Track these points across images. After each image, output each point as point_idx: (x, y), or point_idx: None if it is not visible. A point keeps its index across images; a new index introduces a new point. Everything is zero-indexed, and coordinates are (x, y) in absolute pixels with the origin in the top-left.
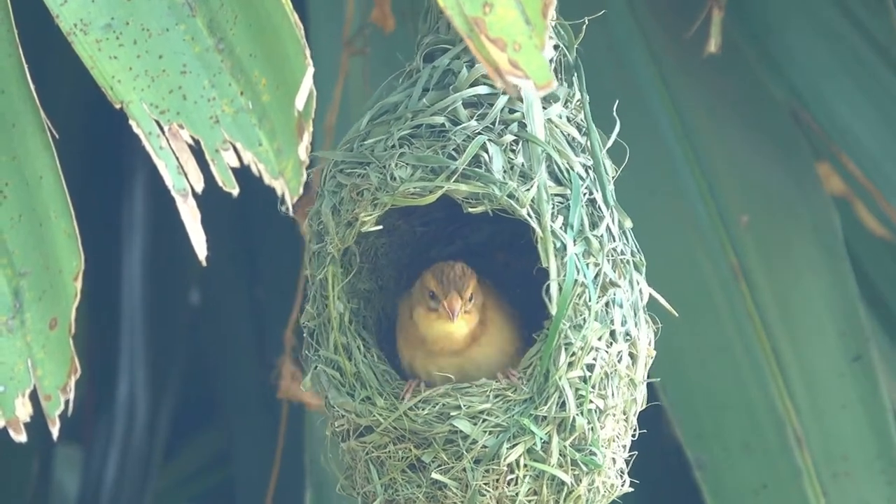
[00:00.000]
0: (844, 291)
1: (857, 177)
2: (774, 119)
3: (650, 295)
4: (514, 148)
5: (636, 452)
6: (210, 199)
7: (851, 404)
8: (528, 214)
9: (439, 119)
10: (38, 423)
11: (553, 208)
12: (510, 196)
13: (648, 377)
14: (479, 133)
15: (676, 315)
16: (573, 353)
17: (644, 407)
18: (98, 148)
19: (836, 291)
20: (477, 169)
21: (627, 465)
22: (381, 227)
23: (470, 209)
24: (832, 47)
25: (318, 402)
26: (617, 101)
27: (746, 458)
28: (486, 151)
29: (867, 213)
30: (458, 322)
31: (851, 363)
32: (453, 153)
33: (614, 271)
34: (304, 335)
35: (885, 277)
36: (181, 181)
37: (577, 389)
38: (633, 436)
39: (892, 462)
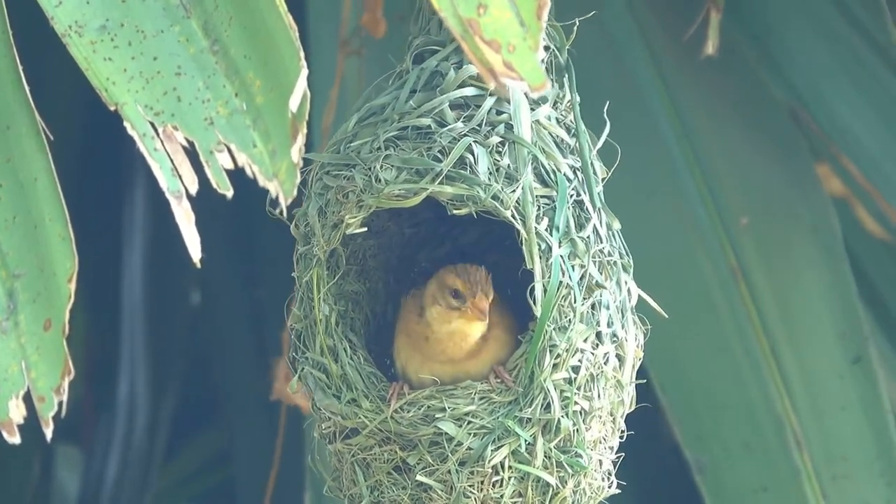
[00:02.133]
0: (844, 292)
1: (856, 178)
2: (774, 120)
3: (641, 296)
4: (501, 149)
5: (635, 453)
6: (209, 200)
7: (851, 405)
8: (513, 216)
9: (426, 121)
10: (37, 423)
11: (539, 210)
12: (494, 198)
13: (645, 377)
14: (465, 135)
15: (666, 316)
16: (558, 355)
17: (640, 407)
18: (98, 149)
19: (835, 292)
20: (462, 171)
21: (616, 467)
22: (366, 229)
23: (454, 211)
24: (832, 48)
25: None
26: (609, 102)
27: (746, 459)
28: (472, 153)
29: (866, 214)
30: (482, 322)
31: (851, 364)
32: (439, 155)
33: (601, 273)
34: (292, 337)
35: (885, 278)
36: (175, 183)
37: (561, 391)
38: (622, 437)
39: (892, 463)
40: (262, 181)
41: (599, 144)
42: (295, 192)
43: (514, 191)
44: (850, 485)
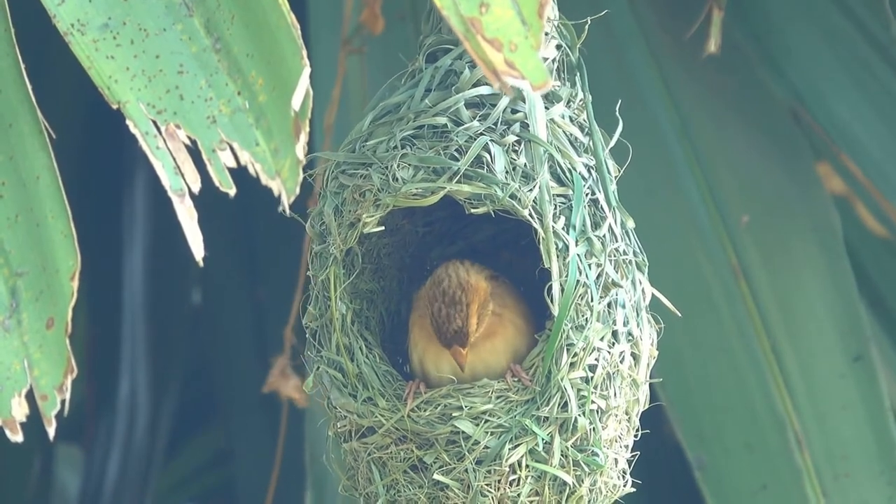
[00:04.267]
0: (845, 291)
1: (857, 176)
2: (774, 119)
3: (652, 295)
4: (517, 148)
5: (637, 452)
6: (210, 198)
7: (852, 405)
8: (530, 215)
9: (442, 120)
10: (38, 422)
11: (555, 209)
12: (512, 197)
13: (650, 377)
14: (482, 134)
15: (679, 315)
16: (575, 354)
17: (646, 407)
18: (99, 147)
19: (836, 291)
20: (479, 170)
21: (630, 466)
22: (383, 227)
23: (472, 210)
24: (832, 47)
25: (304, 397)
26: (619, 101)
27: (747, 458)
28: (489, 152)
29: (867, 213)
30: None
31: (852, 363)
32: (455, 154)
33: (616, 272)
34: (307, 336)
35: (886, 277)
36: (178, 181)
37: (578, 390)
38: (636, 436)
39: (893, 462)
40: (264, 180)
41: (612, 143)
42: (298, 191)
43: (531, 190)
44: (850, 483)
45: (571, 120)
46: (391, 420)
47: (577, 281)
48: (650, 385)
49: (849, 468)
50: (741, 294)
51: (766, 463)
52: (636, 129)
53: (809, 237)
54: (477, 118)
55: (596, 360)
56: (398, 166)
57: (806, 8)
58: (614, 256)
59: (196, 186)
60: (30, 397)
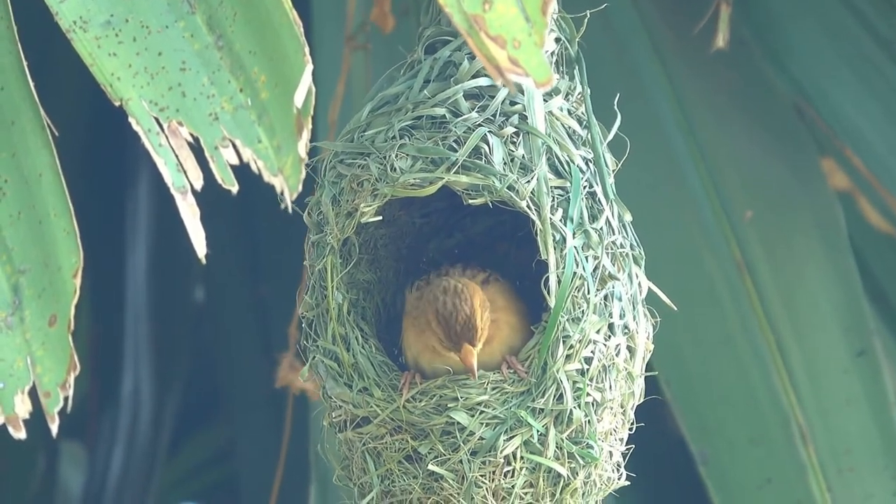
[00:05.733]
0: (848, 286)
1: (860, 172)
2: (778, 114)
3: (650, 289)
4: (515, 140)
5: (640, 446)
6: (213, 195)
7: (855, 399)
8: (528, 206)
9: (440, 110)
10: (41, 419)
11: (553, 201)
12: (510, 188)
13: (651, 371)
14: (480, 125)
15: (676, 309)
16: (571, 346)
17: (645, 401)
18: (103, 144)
19: (839, 286)
20: (477, 160)
21: (625, 459)
22: (380, 217)
23: (470, 201)
24: (836, 43)
25: (316, 390)
26: (618, 95)
27: (751, 452)
28: (487, 143)
29: (871, 208)
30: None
31: (855, 358)
32: (454, 145)
33: (613, 264)
34: (303, 325)
35: (889, 272)
36: (180, 179)
37: (574, 382)
38: (631, 429)
39: None
40: (266, 176)
41: (610, 136)
42: (300, 188)
43: (529, 181)
44: (854, 478)
45: (570, 113)
46: (386, 410)
47: (574, 273)
48: (652, 379)
49: (853, 462)
50: (745, 289)
51: (770, 457)
52: (640, 123)
53: (813, 232)
54: (475, 109)
55: (592, 352)
56: (396, 156)
57: (809, 3)
58: (611, 249)
59: (198, 183)
60: (33, 394)
